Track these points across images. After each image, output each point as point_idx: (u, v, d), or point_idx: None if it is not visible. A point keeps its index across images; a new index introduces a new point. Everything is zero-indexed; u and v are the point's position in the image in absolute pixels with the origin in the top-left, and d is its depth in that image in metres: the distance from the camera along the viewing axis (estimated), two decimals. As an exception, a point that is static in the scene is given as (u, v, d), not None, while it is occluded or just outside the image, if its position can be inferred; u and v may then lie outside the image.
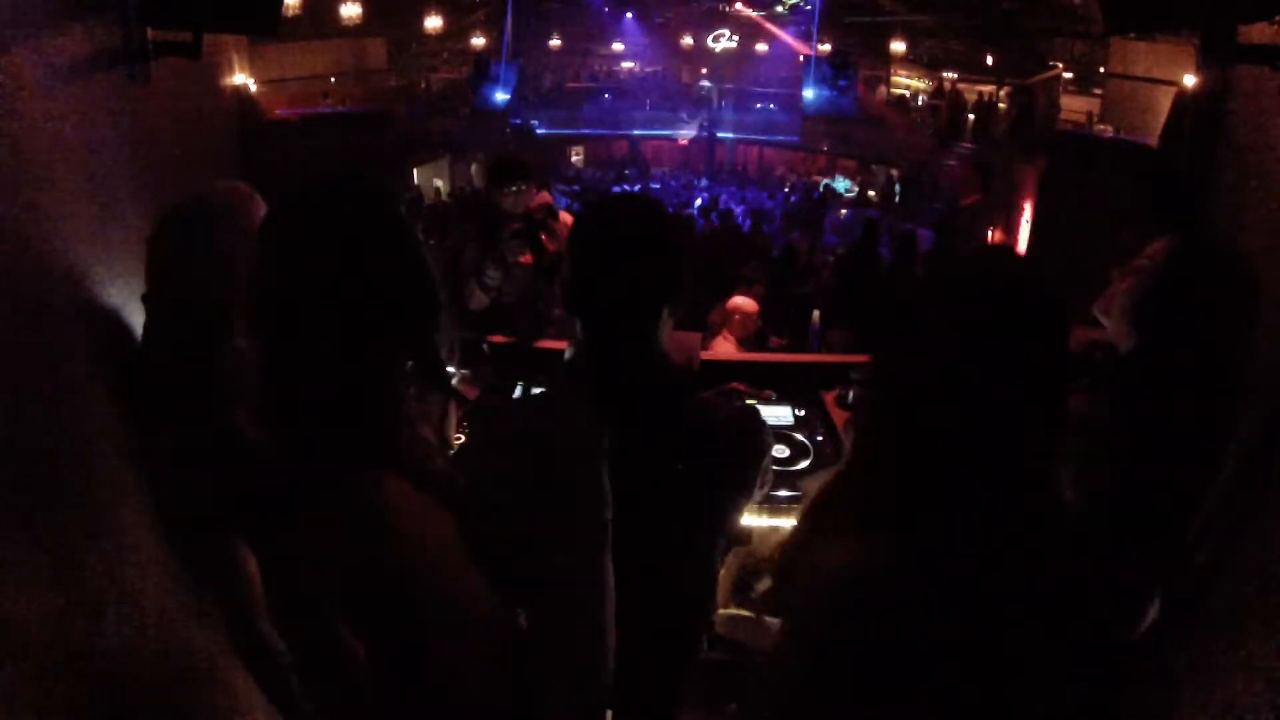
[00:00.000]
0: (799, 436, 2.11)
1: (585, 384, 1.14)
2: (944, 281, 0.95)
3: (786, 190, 13.19)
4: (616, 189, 11.58)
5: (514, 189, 2.84)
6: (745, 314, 3.44)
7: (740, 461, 1.20)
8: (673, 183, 13.50)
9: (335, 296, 0.90)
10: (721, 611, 1.56)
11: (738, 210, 10.04)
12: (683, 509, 1.15)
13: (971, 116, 11.52)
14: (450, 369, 1.71)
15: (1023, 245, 6.85)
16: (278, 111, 5.96)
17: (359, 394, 0.92)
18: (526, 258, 2.85)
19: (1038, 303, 0.85)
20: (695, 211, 9.98)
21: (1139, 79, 9.78)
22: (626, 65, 16.48)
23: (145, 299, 1.46)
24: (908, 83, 15.00)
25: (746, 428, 1.22)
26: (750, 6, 14.59)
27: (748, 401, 2.19)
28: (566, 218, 3.03)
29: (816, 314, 4.00)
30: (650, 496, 1.10)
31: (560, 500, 1.07)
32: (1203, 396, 1.26)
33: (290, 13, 9.77)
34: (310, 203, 0.95)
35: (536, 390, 2.29)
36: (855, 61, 12.74)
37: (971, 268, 0.94)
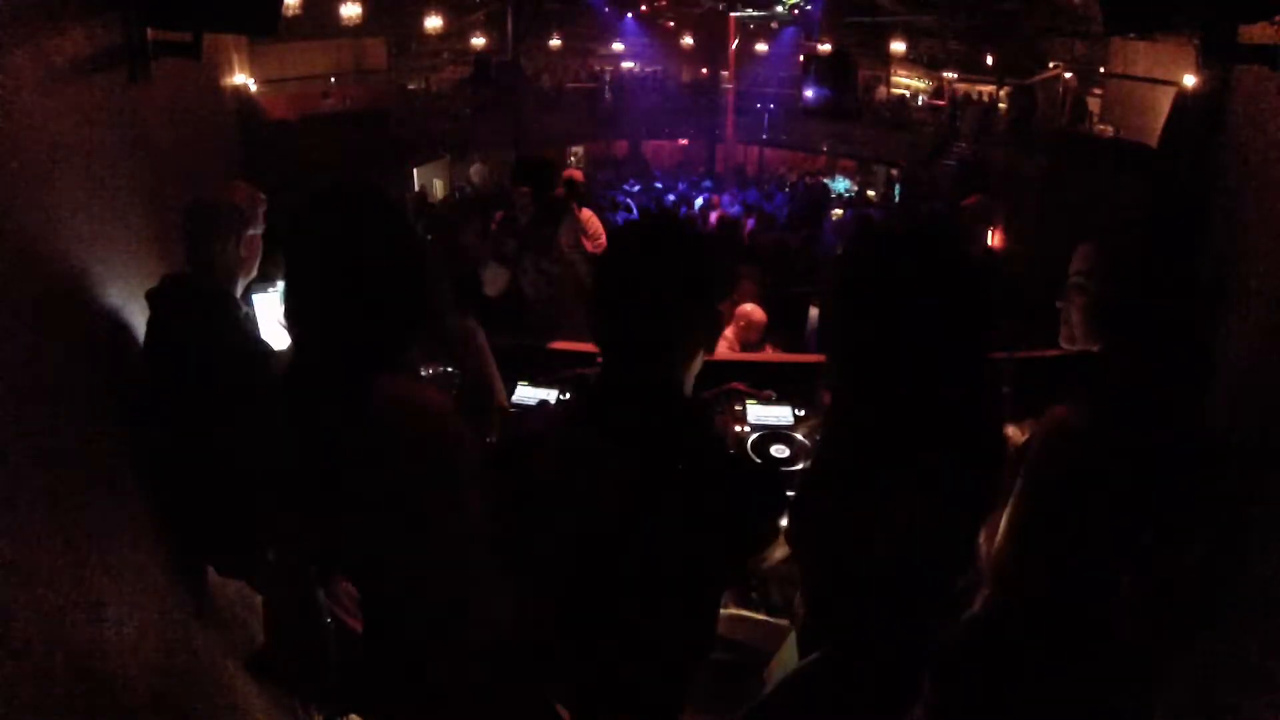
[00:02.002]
0: (799, 436, 2.11)
1: (598, 414, 1.04)
2: (863, 256, 1.09)
3: (787, 190, 13.18)
4: (617, 193, 11.51)
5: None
6: (751, 322, 3.43)
7: (745, 522, 1.09)
8: (680, 185, 13.46)
9: (338, 289, 1.00)
10: (721, 612, 1.55)
11: (737, 210, 10.02)
12: (681, 547, 1.05)
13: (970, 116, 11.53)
14: (449, 369, 1.72)
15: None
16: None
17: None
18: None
19: (944, 261, 1.01)
20: (695, 212, 9.97)
21: (1139, 79, 9.79)
22: (626, 65, 16.47)
23: (149, 295, 1.47)
24: (908, 83, 14.99)
25: (758, 490, 1.11)
26: (751, 7, 14.56)
27: (748, 402, 2.19)
28: (588, 214, 3.03)
29: (815, 313, 3.99)
30: (648, 529, 1.03)
31: (547, 513, 1.07)
32: (1180, 388, 1.23)
33: (290, 13, 9.76)
34: (314, 206, 1.03)
35: (544, 392, 2.27)
36: (854, 62, 12.74)
37: (885, 242, 1.09)
